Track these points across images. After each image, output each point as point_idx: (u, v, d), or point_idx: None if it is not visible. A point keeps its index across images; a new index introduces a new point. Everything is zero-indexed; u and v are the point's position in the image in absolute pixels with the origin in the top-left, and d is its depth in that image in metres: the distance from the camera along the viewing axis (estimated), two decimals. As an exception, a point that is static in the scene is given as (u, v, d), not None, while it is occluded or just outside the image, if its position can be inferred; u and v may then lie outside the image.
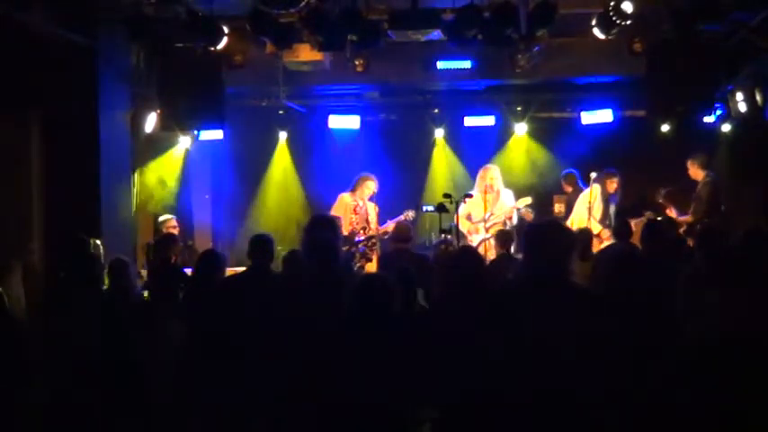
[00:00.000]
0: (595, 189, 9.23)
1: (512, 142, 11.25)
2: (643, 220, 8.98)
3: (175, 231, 9.31)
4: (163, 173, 10.26)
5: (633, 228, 8.47)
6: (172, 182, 10.38)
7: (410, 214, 9.20)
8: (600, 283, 4.99)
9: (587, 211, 9.17)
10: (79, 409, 5.04)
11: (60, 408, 5.06)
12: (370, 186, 9.39)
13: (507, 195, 9.43)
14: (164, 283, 5.81)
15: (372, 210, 9.42)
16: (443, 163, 11.42)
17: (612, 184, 9.33)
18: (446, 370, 3.93)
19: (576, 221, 9.13)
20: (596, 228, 8.98)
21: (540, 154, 11.23)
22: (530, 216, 9.33)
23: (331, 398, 3.91)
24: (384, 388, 3.83)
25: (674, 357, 3.88)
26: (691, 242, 7.92)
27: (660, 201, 9.11)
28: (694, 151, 9.44)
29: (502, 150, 11.17)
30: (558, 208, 9.82)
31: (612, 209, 9.29)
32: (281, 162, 11.54)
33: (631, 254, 5.82)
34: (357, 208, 9.39)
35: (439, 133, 11.27)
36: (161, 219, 9.48)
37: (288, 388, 4.66)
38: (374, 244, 9.15)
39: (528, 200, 9.38)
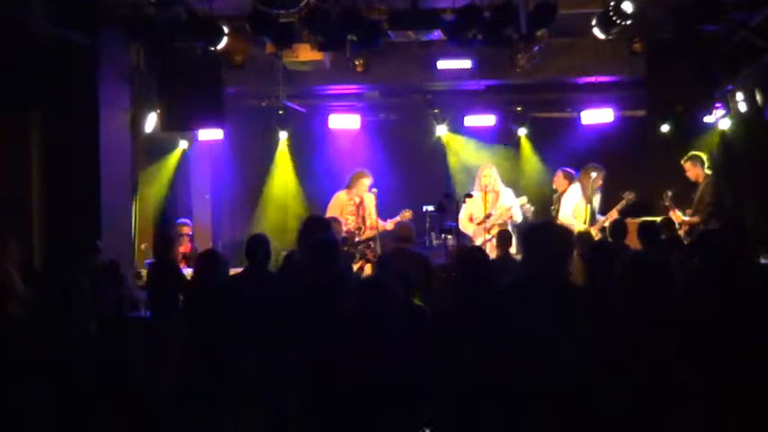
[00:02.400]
0: (581, 186, 9.28)
1: (512, 142, 11.25)
2: (623, 203, 9.02)
3: (185, 238, 9.35)
4: (159, 174, 10.33)
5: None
6: (164, 181, 10.44)
7: (407, 214, 9.17)
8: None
9: (575, 211, 9.22)
10: (76, 412, 5.04)
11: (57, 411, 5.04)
12: (365, 183, 9.34)
13: (507, 195, 9.42)
14: (163, 283, 5.81)
15: (371, 201, 9.37)
16: (449, 161, 11.40)
17: (599, 180, 9.36)
18: (445, 370, 3.93)
19: (562, 220, 9.14)
20: (581, 226, 9.01)
21: (540, 154, 11.22)
22: (530, 212, 9.36)
23: (331, 397, 3.92)
24: (384, 387, 3.83)
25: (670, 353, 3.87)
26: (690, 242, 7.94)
27: (666, 204, 9.12)
28: (693, 151, 9.45)
29: (502, 150, 11.17)
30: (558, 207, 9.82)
31: (596, 201, 9.33)
32: (282, 162, 11.53)
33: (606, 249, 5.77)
34: (354, 206, 9.33)
35: (442, 131, 11.24)
36: (177, 222, 9.56)
37: (288, 387, 4.67)
38: (373, 245, 9.13)
39: (523, 199, 9.37)
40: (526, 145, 11.26)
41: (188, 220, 9.76)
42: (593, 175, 9.31)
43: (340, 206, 9.29)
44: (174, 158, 10.62)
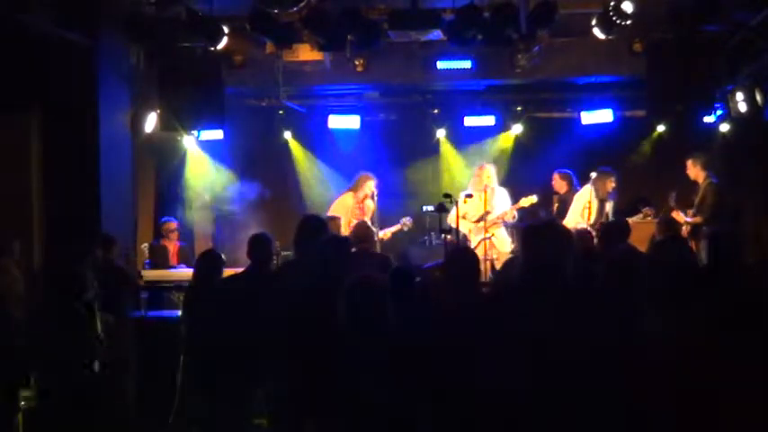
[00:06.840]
0: (591, 189, 9.23)
1: (511, 142, 11.24)
2: (641, 217, 9.01)
3: (175, 234, 9.36)
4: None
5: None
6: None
7: (407, 222, 9.23)
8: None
9: (583, 211, 9.18)
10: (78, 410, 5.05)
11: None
12: (370, 185, 9.37)
13: (501, 194, 9.41)
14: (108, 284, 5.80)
15: (371, 207, 9.41)
16: (447, 163, 11.40)
17: (610, 184, 9.32)
18: (445, 370, 3.93)
19: (570, 222, 9.11)
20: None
21: (540, 154, 11.21)
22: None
23: (332, 398, 3.92)
24: (383, 387, 3.83)
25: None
26: (694, 243, 7.94)
27: (671, 205, 9.11)
28: (694, 151, 9.44)
29: (502, 150, 11.17)
30: (558, 208, 9.81)
31: (610, 207, 9.29)
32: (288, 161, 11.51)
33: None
34: (360, 210, 9.35)
35: (441, 133, 11.24)
36: (162, 221, 9.52)
37: (288, 388, 4.67)
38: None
39: (533, 198, 9.32)
40: (525, 145, 11.22)
41: (172, 219, 9.71)
42: (593, 175, 9.29)
43: (346, 208, 9.30)
44: (188, 160, 10.60)
